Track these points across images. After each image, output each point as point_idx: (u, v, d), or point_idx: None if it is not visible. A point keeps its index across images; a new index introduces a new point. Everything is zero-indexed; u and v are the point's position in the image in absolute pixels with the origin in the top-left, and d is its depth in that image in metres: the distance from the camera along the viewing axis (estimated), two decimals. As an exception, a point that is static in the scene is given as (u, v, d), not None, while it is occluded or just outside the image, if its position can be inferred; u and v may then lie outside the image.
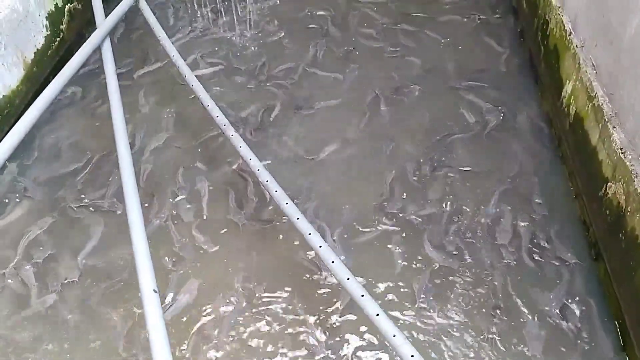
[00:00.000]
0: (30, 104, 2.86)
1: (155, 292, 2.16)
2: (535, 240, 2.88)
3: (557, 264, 2.79)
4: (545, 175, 3.20)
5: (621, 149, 2.55)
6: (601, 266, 2.72)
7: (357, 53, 4.15)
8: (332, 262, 2.37)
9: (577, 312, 2.60)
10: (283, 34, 4.36)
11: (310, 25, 4.45)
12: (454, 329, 2.55)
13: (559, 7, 3.43)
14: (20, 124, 2.75)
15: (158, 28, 3.70)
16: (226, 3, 4.54)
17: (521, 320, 2.57)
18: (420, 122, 3.59)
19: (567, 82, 3.22)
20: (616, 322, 2.54)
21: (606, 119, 2.71)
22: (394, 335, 2.09)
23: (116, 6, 3.75)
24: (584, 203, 2.94)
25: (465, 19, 4.41)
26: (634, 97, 2.49)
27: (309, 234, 2.49)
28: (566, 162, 3.21)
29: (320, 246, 2.44)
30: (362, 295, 2.23)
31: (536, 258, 2.81)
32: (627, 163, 2.48)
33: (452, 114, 3.62)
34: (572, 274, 2.74)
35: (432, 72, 3.95)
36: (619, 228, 2.53)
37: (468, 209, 3.03)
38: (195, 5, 4.55)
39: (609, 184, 2.66)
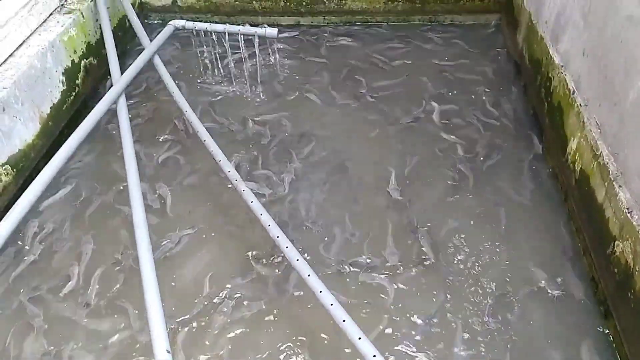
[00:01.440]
0: (45, 158, 2.92)
1: (169, 352, 2.18)
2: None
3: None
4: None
5: (627, 208, 2.59)
6: (611, 324, 2.72)
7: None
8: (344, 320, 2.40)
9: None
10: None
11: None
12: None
13: (562, 66, 3.52)
14: (37, 181, 2.81)
15: (171, 84, 3.80)
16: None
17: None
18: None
19: (572, 139, 3.28)
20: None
21: (612, 178, 2.75)
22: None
23: (131, 62, 3.89)
24: (592, 260, 2.96)
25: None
26: (639, 159, 2.54)
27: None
28: (573, 218, 3.25)
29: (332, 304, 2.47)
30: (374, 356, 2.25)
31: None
32: (634, 223, 2.52)
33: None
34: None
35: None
36: (627, 287, 2.55)
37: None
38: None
39: (616, 242, 2.68)
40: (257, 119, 4.13)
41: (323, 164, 3.76)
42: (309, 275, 2.62)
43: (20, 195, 2.79)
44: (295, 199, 3.47)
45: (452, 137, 3.90)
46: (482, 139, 3.87)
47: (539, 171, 3.62)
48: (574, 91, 3.31)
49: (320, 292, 2.54)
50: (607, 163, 2.82)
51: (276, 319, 2.85)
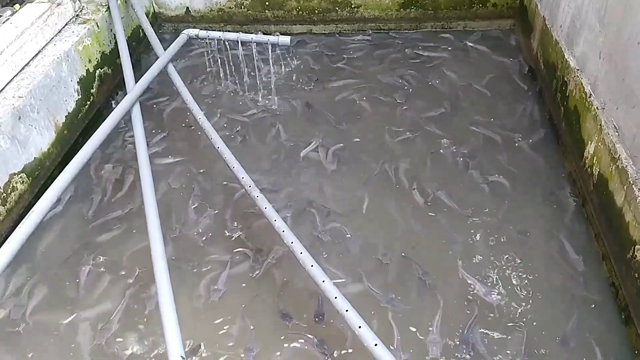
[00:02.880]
0: (60, 166, 2.94)
1: (183, 358, 2.16)
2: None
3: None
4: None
5: (648, 212, 2.55)
6: (632, 330, 2.66)
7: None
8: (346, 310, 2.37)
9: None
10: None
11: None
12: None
13: (578, 70, 3.48)
14: (52, 188, 2.82)
15: (185, 92, 3.82)
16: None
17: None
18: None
19: (589, 142, 3.24)
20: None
21: (631, 181, 2.71)
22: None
23: (145, 71, 3.91)
24: (611, 265, 2.91)
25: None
26: (659, 161, 2.50)
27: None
28: (592, 223, 3.19)
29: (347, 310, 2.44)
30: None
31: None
32: (655, 227, 2.47)
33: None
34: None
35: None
36: (649, 292, 2.50)
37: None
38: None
39: (636, 246, 2.63)
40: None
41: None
42: (323, 282, 2.60)
43: (35, 203, 2.80)
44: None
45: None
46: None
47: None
48: (590, 94, 3.27)
49: (336, 297, 2.51)
50: (626, 166, 2.77)
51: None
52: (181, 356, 2.16)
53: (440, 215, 3.35)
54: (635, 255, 2.64)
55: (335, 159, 3.82)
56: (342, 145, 3.93)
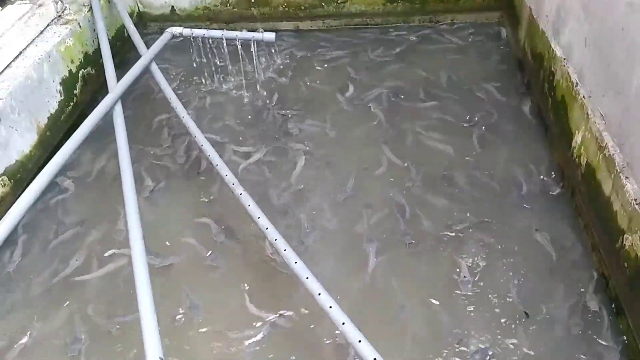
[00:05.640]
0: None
1: (161, 359, 2.11)
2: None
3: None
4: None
5: (635, 199, 2.50)
6: (623, 321, 2.62)
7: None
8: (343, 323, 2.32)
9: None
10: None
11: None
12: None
13: (565, 59, 3.44)
14: (30, 190, 2.78)
15: (169, 91, 3.77)
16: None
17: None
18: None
19: (577, 132, 3.20)
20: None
21: (618, 169, 2.66)
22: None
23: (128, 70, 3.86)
24: (601, 256, 2.87)
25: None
26: (645, 148, 2.46)
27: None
28: (580, 214, 3.15)
29: (331, 307, 2.39)
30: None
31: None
32: (643, 214, 2.43)
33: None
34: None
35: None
36: (639, 282, 2.45)
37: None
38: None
39: (625, 235, 2.59)
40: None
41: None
42: (307, 278, 2.55)
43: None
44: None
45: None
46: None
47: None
48: (577, 83, 3.23)
49: (319, 294, 2.46)
50: (613, 154, 2.73)
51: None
52: (159, 357, 2.11)
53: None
54: (624, 245, 2.59)
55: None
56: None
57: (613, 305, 2.72)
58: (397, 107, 4.13)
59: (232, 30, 4.36)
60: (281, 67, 4.66)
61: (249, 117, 4.15)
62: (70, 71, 4.10)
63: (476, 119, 3.94)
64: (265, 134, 3.96)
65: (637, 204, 2.48)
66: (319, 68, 4.66)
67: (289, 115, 4.11)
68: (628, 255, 2.56)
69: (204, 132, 3.51)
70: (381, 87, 4.33)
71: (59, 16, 4.29)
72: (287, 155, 3.76)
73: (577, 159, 3.18)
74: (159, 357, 2.11)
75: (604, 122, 2.89)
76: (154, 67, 3.99)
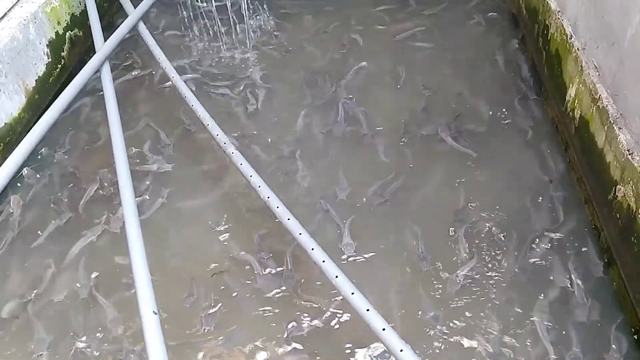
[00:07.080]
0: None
1: (155, 313, 2.12)
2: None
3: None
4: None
5: (628, 150, 2.49)
6: (614, 272, 2.64)
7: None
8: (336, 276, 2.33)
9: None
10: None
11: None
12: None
13: (559, 12, 3.39)
14: (21, 147, 2.75)
15: (157, 51, 3.71)
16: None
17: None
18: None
19: (571, 85, 3.17)
20: (632, 329, 2.45)
21: (611, 121, 2.65)
22: (401, 350, 2.03)
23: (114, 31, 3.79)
24: (593, 208, 2.87)
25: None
26: (639, 97, 2.43)
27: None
28: (574, 168, 3.15)
29: (324, 261, 2.40)
30: (367, 310, 2.18)
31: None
32: (635, 164, 2.42)
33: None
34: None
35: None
36: (630, 232, 2.46)
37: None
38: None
39: (617, 186, 2.59)
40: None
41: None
42: (300, 234, 2.55)
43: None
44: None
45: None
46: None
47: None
48: (571, 36, 3.19)
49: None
50: (607, 106, 2.71)
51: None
52: (153, 311, 2.12)
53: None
54: (617, 196, 2.59)
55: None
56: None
57: (605, 257, 2.74)
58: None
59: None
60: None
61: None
62: (57, 33, 4.02)
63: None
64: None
65: (629, 155, 2.47)
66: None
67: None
68: (620, 205, 2.56)
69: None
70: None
71: (44, -23, 4.19)
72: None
73: (570, 113, 3.16)
74: (153, 312, 2.12)
75: (598, 73, 2.86)
76: (142, 27, 3.92)
